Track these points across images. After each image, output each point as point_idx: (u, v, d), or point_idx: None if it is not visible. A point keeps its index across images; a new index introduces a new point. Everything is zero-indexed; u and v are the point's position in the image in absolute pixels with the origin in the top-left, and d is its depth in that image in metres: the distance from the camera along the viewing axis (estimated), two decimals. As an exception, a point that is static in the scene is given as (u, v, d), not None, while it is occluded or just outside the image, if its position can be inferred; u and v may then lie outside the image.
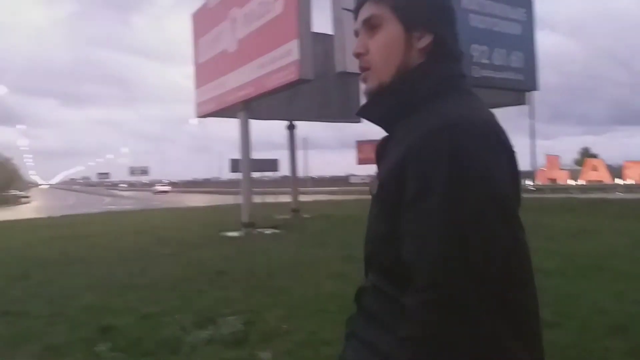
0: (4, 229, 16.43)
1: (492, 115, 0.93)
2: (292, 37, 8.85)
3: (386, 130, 1.05)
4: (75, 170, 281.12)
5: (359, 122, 14.94)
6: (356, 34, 1.07)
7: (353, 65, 8.99)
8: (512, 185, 0.88)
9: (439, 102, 0.93)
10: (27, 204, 50.19)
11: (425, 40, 1.00)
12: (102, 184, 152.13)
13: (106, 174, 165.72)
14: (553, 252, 7.29)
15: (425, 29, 1.00)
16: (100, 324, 4.63)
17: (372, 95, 1.04)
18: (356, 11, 1.07)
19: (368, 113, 1.06)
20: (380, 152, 1.05)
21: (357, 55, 1.06)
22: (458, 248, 0.79)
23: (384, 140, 1.06)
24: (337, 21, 8.90)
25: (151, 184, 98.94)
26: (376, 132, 1.10)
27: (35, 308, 5.45)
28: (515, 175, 0.90)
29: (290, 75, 8.97)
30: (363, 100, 1.09)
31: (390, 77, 1.01)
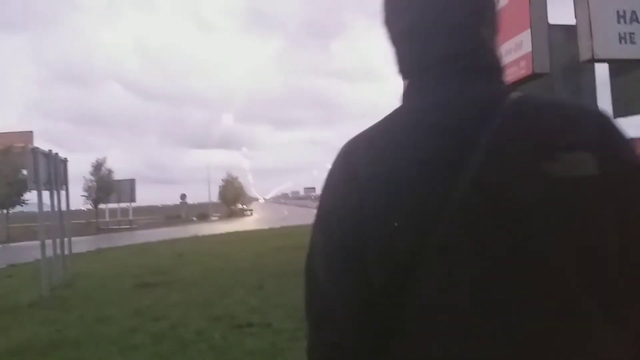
0: (238, 238, 18.45)
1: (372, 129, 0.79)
2: (523, 27, 7.82)
3: None
4: (286, 186, 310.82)
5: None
6: None
7: (603, 52, 7.55)
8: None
9: None
10: (251, 217, 56.85)
11: None
12: (309, 197, 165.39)
13: (312, 188, 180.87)
14: None
15: None
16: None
17: None
18: None
19: None
20: None
21: None
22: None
23: None
24: (580, 2, 7.52)
25: (317, 197, 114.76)
26: None
27: (276, 321, 5.52)
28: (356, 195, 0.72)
29: (522, 70, 7.92)
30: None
31: None
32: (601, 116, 0.73)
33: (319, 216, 0.78)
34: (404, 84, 0.83)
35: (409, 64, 0.82)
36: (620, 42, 7.39)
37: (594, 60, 7.90)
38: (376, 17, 0.85)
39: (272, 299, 6.76)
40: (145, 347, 4.87)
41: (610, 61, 10.58)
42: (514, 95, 0.74)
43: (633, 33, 7.39)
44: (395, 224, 0.69)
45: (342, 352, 0.74)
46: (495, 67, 0.79)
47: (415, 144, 0.73)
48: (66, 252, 10.59)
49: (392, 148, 0.74)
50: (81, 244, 16.43)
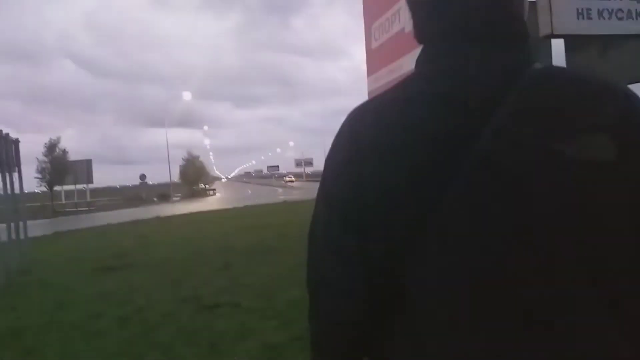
0: (201, 218, 18.20)
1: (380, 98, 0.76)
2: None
3: None
4: (249, 165, 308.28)
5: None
6: None
7: (562, 27, 7.70)
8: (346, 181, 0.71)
9: None
10: (213, 196, 56.26)
11: None
12: (273, 175, 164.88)
13: (276, 166, 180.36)
14: None
15: None
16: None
17: None
18: None
19: None
20: None
21: None
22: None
23: None
24: (540, -22, 7.58)
25: (281, 176, 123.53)
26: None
27: (244, 300, 5.49)
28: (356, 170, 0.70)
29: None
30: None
31: None
32: (628, 97, 0.67)
33: (322, 183, 0.77)
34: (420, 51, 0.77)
35: (425, 29, 0.76)
36: (578, 17, 7.56)
37: (552, 35, 8.05)
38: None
39: (239, 278, 6.71)
40: (110, 332, 4.76)
41: (568, 37, 10.90)
42: (537, 66, 0.70)
43: (590, 9, 7.56)
44: (395, 200, 0.67)
45: (339, 323, 0.73)
46: (520, 36, 0.74)
47: (423, 116, 0.68)
48: (22, 236, 10.19)
49: (399, 119, 0.70)
50: (37, 228, 15.85)
